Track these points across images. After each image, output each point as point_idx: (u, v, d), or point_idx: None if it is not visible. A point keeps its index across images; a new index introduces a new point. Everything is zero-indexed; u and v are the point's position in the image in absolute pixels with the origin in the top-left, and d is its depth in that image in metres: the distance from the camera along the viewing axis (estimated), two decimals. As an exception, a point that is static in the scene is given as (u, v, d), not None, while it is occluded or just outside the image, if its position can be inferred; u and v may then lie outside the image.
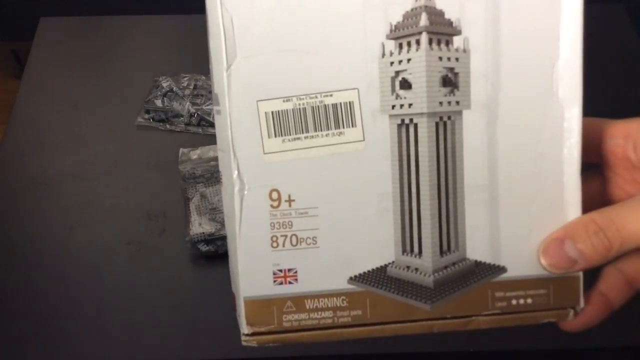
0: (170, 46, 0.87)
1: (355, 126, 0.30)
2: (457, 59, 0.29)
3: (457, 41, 0.29)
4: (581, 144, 0.31)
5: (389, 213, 0.31)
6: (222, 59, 0.30)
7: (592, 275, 0.33)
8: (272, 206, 0.31)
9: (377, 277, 0.31)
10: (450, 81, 0.29)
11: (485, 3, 0.29)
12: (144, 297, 0.63)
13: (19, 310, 0.62)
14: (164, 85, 0.79)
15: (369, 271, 0.31)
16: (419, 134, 0.30)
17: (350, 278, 0.31)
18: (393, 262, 0.31)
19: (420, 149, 0.30)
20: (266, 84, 0.30)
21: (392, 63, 0.29)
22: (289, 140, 0.30)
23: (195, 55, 0.86)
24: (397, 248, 0.31)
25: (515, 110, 0.30)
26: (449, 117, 0.30)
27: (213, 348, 0.59)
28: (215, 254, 0.64)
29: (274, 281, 0.31)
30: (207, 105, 0.77)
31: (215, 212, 0.64)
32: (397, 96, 0.30)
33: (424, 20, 0.28)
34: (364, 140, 0.30)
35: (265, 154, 0.30)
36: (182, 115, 0.77)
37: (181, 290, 0.63)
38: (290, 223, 0.31)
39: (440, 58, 0.29)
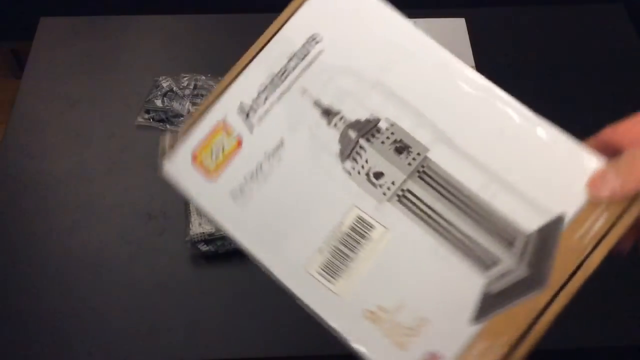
0: (170, 46, 0.87)
1: (375, 227, 0.35)
2: (392, 133, 0.36)
3: (383, 123, 0.36)
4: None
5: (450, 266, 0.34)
6: None
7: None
8: None
9: (487, 303, 0.33)
10: (402, 148, 0.36)
11: (378, 92, 0.36)
12: (144, 296, 0.63)
13: (19, 309, 0.62)
14: (164, 85, 0.79)
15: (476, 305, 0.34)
16: (417, 193, 0.35)
17: (474, 318, 0.33)
18: (487, 281, 0.34)
19: (428, 200, 0.35)
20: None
21: (359, 172, 0.36)
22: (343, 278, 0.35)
23: (195, 55, 0.86)
24: (480, 269, 0.34)
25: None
26: (423, 166, 0.35)
27: (213, 348, 0.59)
28: (215, 254, 0.64)
29: None
30: (207, 105, 0.77)
31: (215, 212, 0.64)
32: (380, 186, 0.35)
33: (353, 134, 0.36)
34: (387, 229, 0.35)
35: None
36: (182, 115, 0.77)
37: (181, 290, 0.63)
38: None
39: (382, 142, 0.36)
